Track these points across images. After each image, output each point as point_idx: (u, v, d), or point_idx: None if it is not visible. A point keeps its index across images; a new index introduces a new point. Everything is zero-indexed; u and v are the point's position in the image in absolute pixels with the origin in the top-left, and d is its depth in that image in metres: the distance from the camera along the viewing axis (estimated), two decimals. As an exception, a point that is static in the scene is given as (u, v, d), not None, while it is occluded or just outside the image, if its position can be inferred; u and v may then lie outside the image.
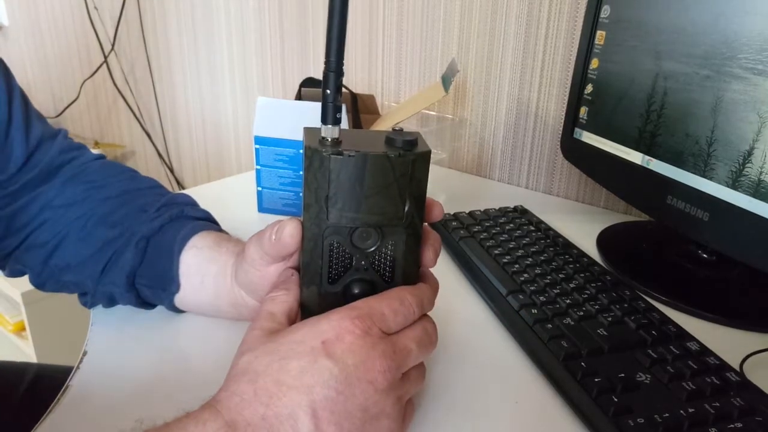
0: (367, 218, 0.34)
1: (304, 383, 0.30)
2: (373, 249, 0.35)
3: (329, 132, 0.33)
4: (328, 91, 0.32)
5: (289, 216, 0.36)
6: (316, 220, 0.34)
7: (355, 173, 0.32)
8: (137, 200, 0.50)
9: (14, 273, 0.51)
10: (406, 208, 0.34)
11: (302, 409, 0.30)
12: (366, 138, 0.35)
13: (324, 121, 0.33)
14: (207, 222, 0.51)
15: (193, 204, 0.53)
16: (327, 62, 0.32)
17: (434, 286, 0.39)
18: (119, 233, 0.47)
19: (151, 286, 0.48)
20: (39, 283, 0.50)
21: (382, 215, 0.34)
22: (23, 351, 1.46)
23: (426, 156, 0.33)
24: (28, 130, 0.49)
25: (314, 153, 0.32)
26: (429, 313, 0.38)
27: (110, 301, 0.49)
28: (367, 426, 0.31)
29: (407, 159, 0.33)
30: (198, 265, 0.46)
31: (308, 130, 0.34)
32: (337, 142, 0.33)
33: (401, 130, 0.35)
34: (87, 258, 0.47)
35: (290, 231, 0.35)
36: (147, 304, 0.50)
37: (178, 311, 0.50)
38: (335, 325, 0.32)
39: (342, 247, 0.35)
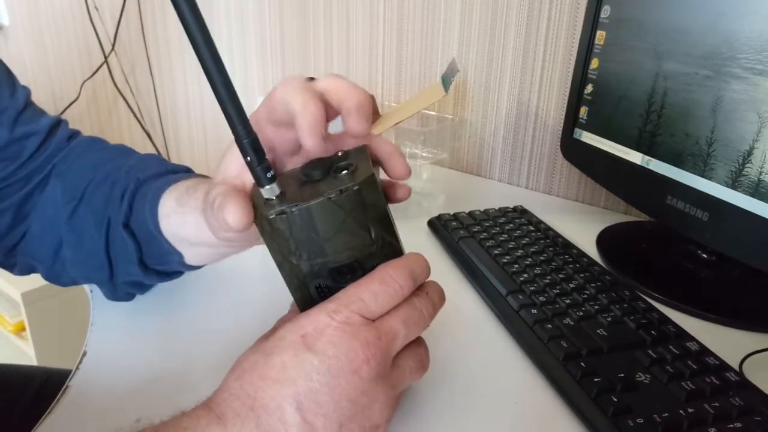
0: (337, 258, 0.33)
1: (287, 377, 0.30)
2: (357, 280, 0.34)
3: (269, 192, 0.32)
4: (249, 159, 0.31)
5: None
6: (292, 273, 0.34)
7: (305, 224, 0.32)
8: (108, 177, 0.49)
9: (24, 270, 0.51)
10: (373, 235, 0.33)
11: (287, 402, 0.30)
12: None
13: (260, 185, 0.32)
14: (164, 178, 0.48)
15: (146, 164, 0.50)
16: (234, 132, 0.30)
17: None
18: (101, 218, 0.47)
19: (160, 262, 0.47)
20: (52, 277, 0.50)
21: (351, 249, 0.33)
22: (23, 351, 1.46)
23: (370, 180, 0.32)
24: (40, 120, 0.50)
25: (261, 219, 0.32)
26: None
27: (141, 287, 0.50)
28: (358, 416, 0.31)
29: (350, 193, 0.31)
30: (177, 233, 0.45)
31: (255, 190, 0.34)
32: (281, 195, 0.32)
33: (344, 155, 0.34)
34: (83, 249, 0.47)
35: (235, 218, 0.32)
36: (171, 274, 0.49)
37: (197, 267, 0.48)
38: (313, 320, 0.32)
39: (329, 286, 0.34)
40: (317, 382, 0.30)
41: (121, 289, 0.50)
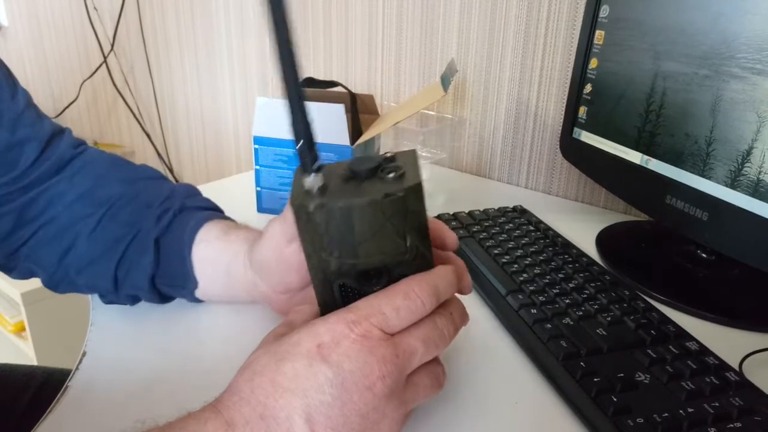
0: (367, 261, 0.32)
1: (299, 386, 0.30)
2: (381, 286, 0.33)
3: (313, 182, 0.31)
4: (299, 145, 0.30)
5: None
6: (319, 267, 0.33)
7: (343, 222, 0.31)
8: (141, 195, 0.50)
9: (24, 274, 0.51)
10: (408, 243, 0.32)
11: (297, 413, 0.29)
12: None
13: (306, 171, 0.31)
14: (211, 212, 0.51)
15: (194, 194, 0.53)
16: (292, 115, 0.30)
17: (459, 266, 0.37)
18: (127, 231, 0.48)
19: (170, 285, 0.49)
20: (52, 284, 0.50)
21: (383, 255, 0.32)
22: (23, 351, 1.46)
23: (417, 188, 0.31)
24: (41, 125, 0.50)
25: (299, 208, 0.31)
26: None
27: (134, 300, 0.51)
28: (367, 431, 0.31)
29: (395, 198, 0.30)
30: (210, 259, 0.47)
31: (297, 175, 0.33)
32: (323, 188, 0.31)
33: (392, 157, 0.33)
34: (97, 258, 0.48)
35: None
36: (167, 298, 0.51)
37: (199, 301, 0.51)
38: (331, 329, 0.31)
39: (352, 287, 0.34)
40: (329, 395, 0.30)
41: (119, 299, 0.51)
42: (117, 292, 0.49)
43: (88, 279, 0.49)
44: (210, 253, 0.47)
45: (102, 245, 0.48)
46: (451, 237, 0.37)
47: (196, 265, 0.47)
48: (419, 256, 0.33)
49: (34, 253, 0.49)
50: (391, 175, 0.32)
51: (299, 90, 0.30)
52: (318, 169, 0.31)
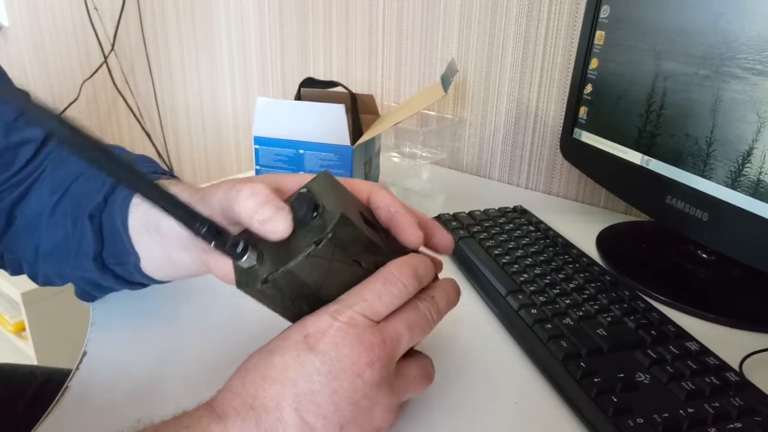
0: (335, 297, 0.33)
1: (287, 377, 0.30)
2: None
3: (248, 261, 0.31)
4: (214, 243, 0.30)
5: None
6: (299, 316, 0.33)
7: (294, 283, 0.31)
8: (88, 172, 0.47)
9: (14, 268, 0.51)
10: (363, 264, 0.33)
11: (286, 402, 0.30)
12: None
13: (237, 260, 0.31)
14: (150, 174, 0.48)
15: (142, 162, 0.50)
16: (189, 229, 0.29)
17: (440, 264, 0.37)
18: (82, 212, 0.46)
19: (117, 263, 0.45)
20: (32, 275, 0.50)
21: (347, 285, 0.33)
22: (23, 351, 1.46)
23: (342, 221, 0.31)
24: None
25: (249, 289, 0.32)
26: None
27: (99, 288, 0.48)
28: (359, 419, 0.31)
29: (326, 242, 0.30)
30: (140, 224, 0.43)
31: (234, 263, 0.32)
32: (260, 258, 0.31)
33: (306, 193, 0.33)
34: (59, 242, 0.46)
35: (284, 230, 0.32)
36: (132, 283, 0.48)
37: (156, 281, 0.47)
38: (316, 320, 0.32)
39: None
40: (318, 384, 0.30)
41: (77, 285, 0.48)
42: (76, 278, 0.47)
43: (53, 265, 0.47)
44: (141, 217, 0.42)
45: (62, 228, 0.46)
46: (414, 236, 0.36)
47: (132, 234, 0.43)
48: (380, 264, 0.33)
49: (16, 244, 0.48)
50: (314, 215, 0.32)
51: (176, 203, 0.28)
52: (245, 249, 0.31)
